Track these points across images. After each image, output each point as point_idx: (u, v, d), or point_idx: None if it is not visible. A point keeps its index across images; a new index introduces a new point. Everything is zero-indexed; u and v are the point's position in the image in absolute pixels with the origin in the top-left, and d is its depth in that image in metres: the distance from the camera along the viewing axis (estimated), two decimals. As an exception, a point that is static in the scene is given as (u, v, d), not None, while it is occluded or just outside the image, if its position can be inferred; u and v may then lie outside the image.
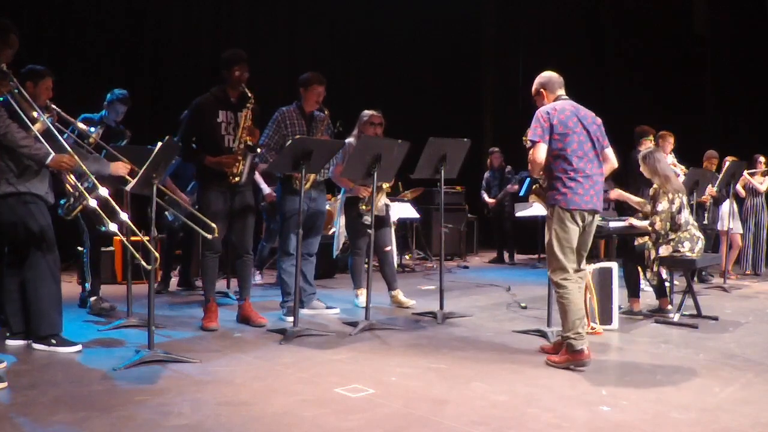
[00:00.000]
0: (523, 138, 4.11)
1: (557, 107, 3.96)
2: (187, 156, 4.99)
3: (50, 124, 3.89)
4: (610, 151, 4.14)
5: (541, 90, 4.13)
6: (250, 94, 4.77)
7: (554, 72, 4.16)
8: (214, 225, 4.31)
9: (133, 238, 5.10)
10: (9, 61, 3.70)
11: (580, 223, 3.95)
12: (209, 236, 4.32)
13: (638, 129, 7.17)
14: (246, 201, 4.91)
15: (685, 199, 5.35)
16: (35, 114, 3.79)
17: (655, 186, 5.39)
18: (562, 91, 4.10)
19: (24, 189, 3.96)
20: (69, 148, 3.84)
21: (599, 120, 4.10)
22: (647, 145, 6.76)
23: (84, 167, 3.83)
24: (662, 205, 5.25)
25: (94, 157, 4.34)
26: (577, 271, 4.03)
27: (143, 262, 3.76)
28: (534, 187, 4.25)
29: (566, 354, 3.90)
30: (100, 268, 5.69)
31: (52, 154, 3.72)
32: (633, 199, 5.77)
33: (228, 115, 4.81)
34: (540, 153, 3.90)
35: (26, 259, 4.01)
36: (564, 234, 3.93)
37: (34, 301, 4.03)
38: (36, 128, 3.78)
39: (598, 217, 4.08)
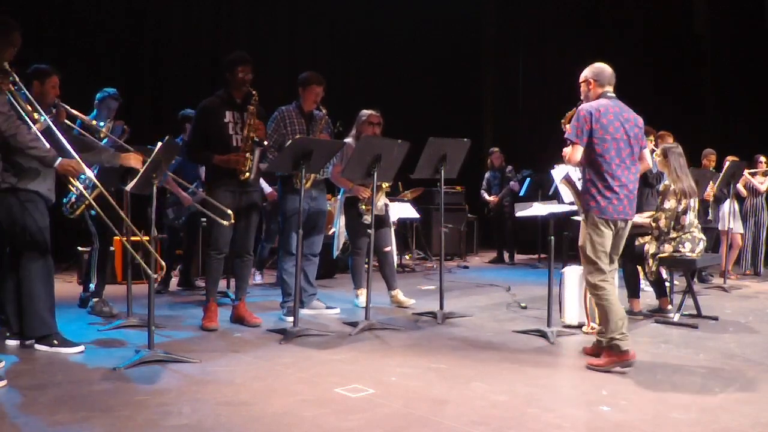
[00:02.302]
0: (562, 121, 4.12)
1: (602, 108, 3.88)
2: (195, 157, 5.00)
3: (51, 123, 3.88)
4: (646, 152, 4.13)
5: (591, 80, 4.04)
6: (253, 92, 4.79)
7: (606, 66, 4.06)
8: (229, 211, 4.41)
9: (133, 238, 5.12)
10: (11, 59, 3.70)
11: (614, 229, 3.95)
12: (225, 223, 4.40)
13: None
14: (253, 201, 4.93)
15: (693, 201, 5.32)
16: (36, 114, 3.78)
17: (666, 183, 5.38)
18: (610, 88, 4.01)
19: (25, 186, 3.96)
20: (70, 148, 3.84)
21: (641, 121, 4.05)
22: (648, 145, 6.75)
23: (92, 175, 3.83)
24: (669, 203, 5.25)
25: (102, 148, 4.34)
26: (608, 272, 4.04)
27: (149, 270, 3.77)
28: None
29: (611, 355, 3.83)
30: (107, 271, 5.68)
31: (60, 158, 3.73)
32: (646, 219, 5.55)
33: (234, 115, 4.83)
34: (576, 155, 3.90)
35: (21, 259, 4.01)
36: (599, 239, 3.92)
37: (27, 301, 4.03)
38: (37, 128, 3.78)
39: (630, 222, 4.06)
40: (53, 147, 3.78)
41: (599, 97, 4.00)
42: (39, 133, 3.75)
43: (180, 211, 6.49)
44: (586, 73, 4.09)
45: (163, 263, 3.96)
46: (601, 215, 3.89)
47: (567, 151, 3.95)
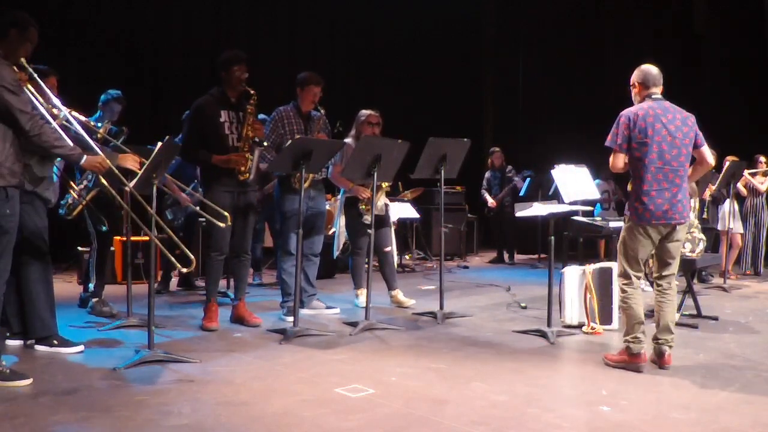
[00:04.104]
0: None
1: (641, 112, 3.90)
2: (192, 157, 4.98)
3: (70, 117, 3.88)
4: (705, 150, 4.02)
5: (637, 83, 4.05)
6: (252, 91, 4.78)
7: (653, 67, 4.06)
8: (226, 213, 4.39)
9: (133, 239, 5.12)
10: (28, 55, 3.69)
11: (655, 236, 3.91)
12: (222, 225, 4.38)
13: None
14: (250, 201, 4.92)
15: (693, 202, 5.33)
16: (56, 110, 3.78)
17: None
18: (656, 90, 4.01)
19: (26, 188, 3.95)
20: (93, 143, 3.84)
21: (692, 119, 4.01)
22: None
23: (116, 170, 3.82)
24: None
25: (100, 149, 4.34)
26: (661, 278, 4.00)
27: (179, 265, 3.79)
28: None
29: (624, 355, 3.90)
30: (106, 271, 5.69)
31: (85, 156, 3.71)
32: None
33: (230, 114, 4.82)
34: (617, 161, 3.95)
35: (20, 260, 4.00)
36: (631, 243, 3.94)
37: (27, 302, 4.03)
38: (55, 122, 3.78)
39: (683, 227, 3.97)
40: (73, 141, 3.78)
41: (644, 99, 4.01)
42: (59, 129, 3.73)
43: (178, 211, 6.49)
44: (633, 76, 4.09)
45: (192, 257, 3.91)
46: (638, 221, 3.90)
47: (610, 159, 4.00)
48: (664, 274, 4.01)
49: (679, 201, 3.88)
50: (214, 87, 4.90)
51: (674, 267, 4.02)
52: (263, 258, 7.60)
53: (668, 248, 3.97)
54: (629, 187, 4.05)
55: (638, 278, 3.98)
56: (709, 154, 4.07)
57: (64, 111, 3.86)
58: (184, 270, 3.87)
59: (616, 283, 4.25)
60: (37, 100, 3.72)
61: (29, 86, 3.70)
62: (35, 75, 3.73)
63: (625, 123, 3.91)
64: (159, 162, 3.94)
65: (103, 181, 4.04)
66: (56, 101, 3.90)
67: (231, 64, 4.77)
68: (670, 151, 3.87)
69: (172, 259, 3.79)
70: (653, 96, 3.99)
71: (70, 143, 3.69)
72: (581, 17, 12.36)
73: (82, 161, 3.70)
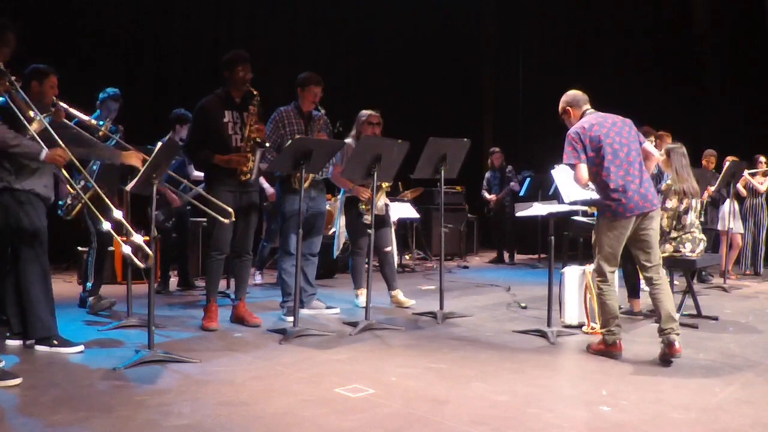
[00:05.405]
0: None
1: (585, 125, 4.13)
2: (194, 157, 4.99)
3: (47, 124, 3.87)
4: (648, 146, 4.28)
5: (568, 108, 4.31)
6: (255, 92, 4.79)
7: (576, 91, 4.34)
8: (230, 209, 4.42)
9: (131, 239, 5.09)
10: (6, 59, 3.67)
11: (631, 228, 4.08)
12: (226, 221, 4.39)
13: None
14: (252, 201, 4.92)
15: (694, 201, 5.33)
16: (32, 113, 3.77)
17: (668, 182, 5.39)
18: (587, 106, 4.27)
19: (20, 186, 3.94)
20: (64, 146, 3.83)
21: (628, 120, 4.24)
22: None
23: (77, 162, 3.80)
24: (671, 203, 5.27)
25: (103, 145, 4.33)
26: (648, 270, 4.15)
27: (137, 261, 3.71)
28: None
29: (602, 345, 4.20)
30: (104, 270, 5.69)
31: (45, 149, 3.70)
32: None
33: (234, 114, 4.82)
34: (581, 173, 4.11)
35: (19, 260, 4.00)
36: (608, 240, 4.12)
37: (27, 303, 4.02)
38: (33, 127, 3.76)
39: (656, 213, 4.13)
40: (50, 147, 3.77)
41: (581, 117, 4.25)
42: (35, 134, 3.73)
43: (169, 212, 6.48)
44: (561, 105, 4.35)
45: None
46: (614, 217, 4.06)
47: (574, 175, 4.17)
48: (648, 265, 4.17)
49: (646, 189, 4.09)
50: (219, 87, 4.90)
51: (656, 256, 4.18)
52: (269, 257, 7.59)
53: (644, 237, 4.14)
54: (588, 208, 4.31)
55: (613, 274, 4.18)
56: (652, 148, 4.34)
57: (40, 116, 3.83)
58: (142, 265, 3.79)
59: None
60: (13, 103, 3.71)
61: (9, 90, 3.68)
62: (12, 79, 3.72)
63: (575, 138, 4.11)
64: (159, 162, 3.93)
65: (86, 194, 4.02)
66: (33, 107, 3.86)
67: (235, 64, 4.77)
68: (621, 149, 4.09)
69: (97, 212, 3.73)
70: (588, 112, 4.25)
71: (27, 141, 3.68)
72: (581, 17, 12.36)
73: (42, 156, 3.70)
